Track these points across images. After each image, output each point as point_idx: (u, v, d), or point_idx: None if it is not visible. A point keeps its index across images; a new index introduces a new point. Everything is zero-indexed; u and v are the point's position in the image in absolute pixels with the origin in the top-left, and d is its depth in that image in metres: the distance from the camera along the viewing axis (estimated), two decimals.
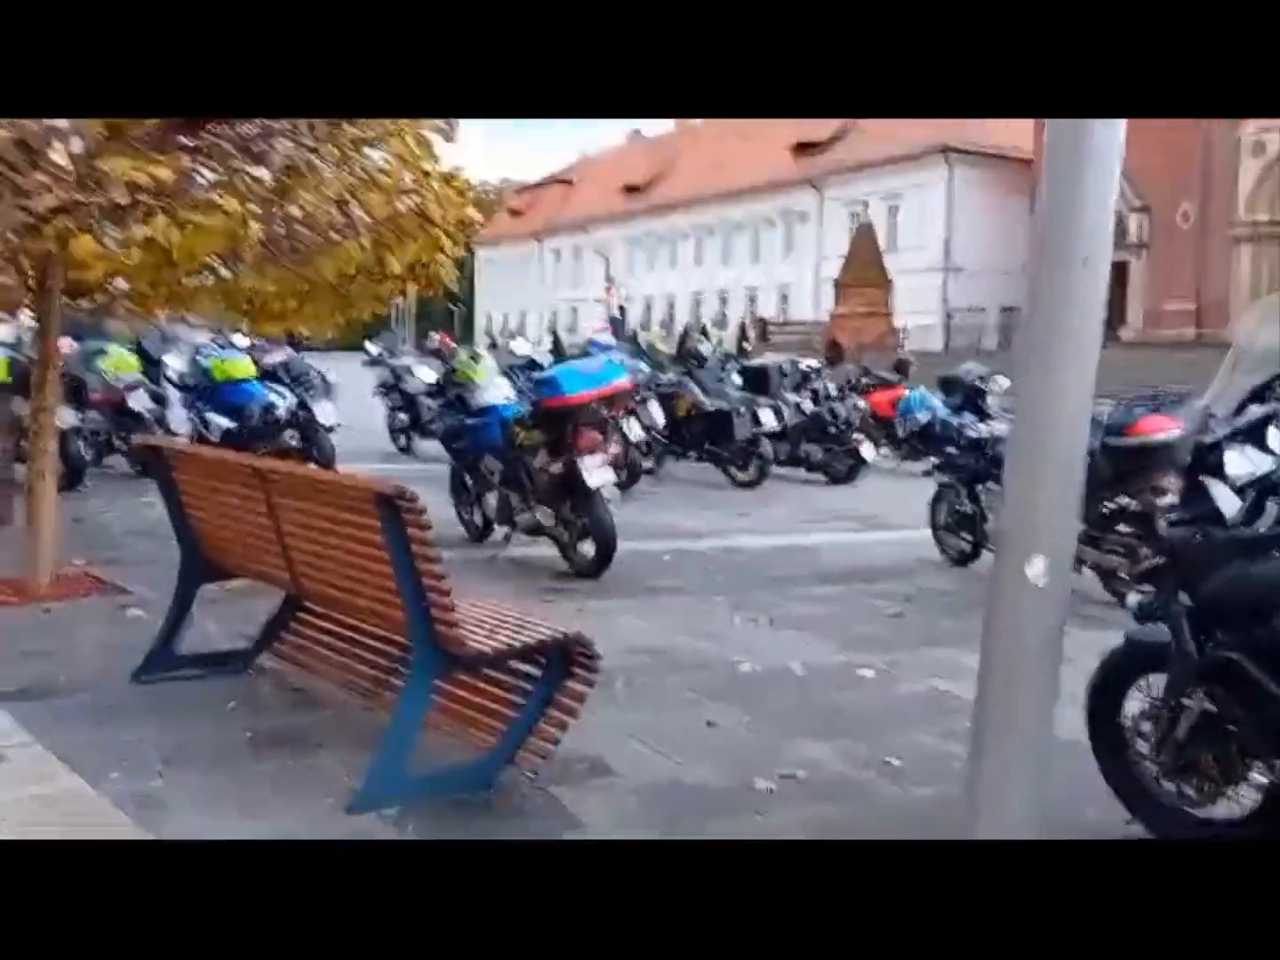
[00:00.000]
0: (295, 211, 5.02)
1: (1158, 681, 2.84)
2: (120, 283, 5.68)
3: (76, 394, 9.48)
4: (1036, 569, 2.30)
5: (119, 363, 10.44)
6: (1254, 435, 2.54)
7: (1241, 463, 2.49)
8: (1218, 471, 2.52)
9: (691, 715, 4.15)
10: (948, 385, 8.07)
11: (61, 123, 4.78)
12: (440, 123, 5.53)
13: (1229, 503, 2.47)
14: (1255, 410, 2.58)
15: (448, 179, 5.62)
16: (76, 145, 4.66)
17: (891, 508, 10.35)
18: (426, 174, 5.49)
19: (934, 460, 7.78)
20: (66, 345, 8.49)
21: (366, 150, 5.33)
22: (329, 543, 3.54)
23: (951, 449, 7.34)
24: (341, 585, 3.59)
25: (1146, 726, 2.90)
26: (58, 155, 4.36)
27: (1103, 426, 5.88)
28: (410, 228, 5.39)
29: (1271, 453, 2.50)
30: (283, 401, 9.73)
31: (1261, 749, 2.52)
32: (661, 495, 10.76)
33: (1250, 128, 32.91)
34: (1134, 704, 2.99)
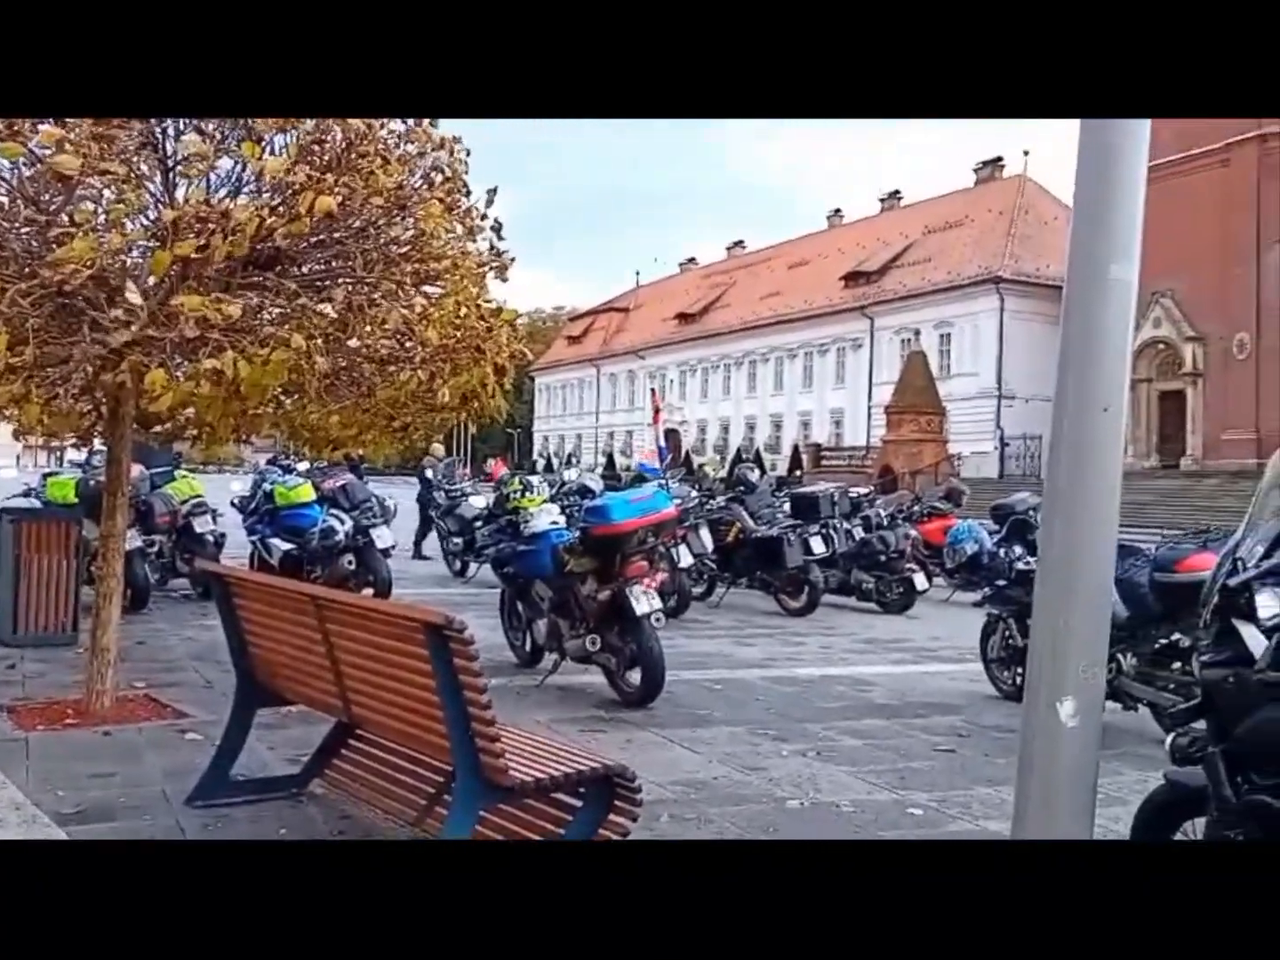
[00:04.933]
0: (354, 344, 5.26)
1: (1201, 825, 2.81)
2: (188, 412, 5.94)
3: (144, 518, 9.79)
4: (1067, 710, 2.33)
5: (183, 487, 10.80)
6: None
7: (1271, 604, 2.51)
8: (1249, 613, 2.55)
9: None
10: (999, 515, 8.08)
11: (136, 259, 5.12)
12: (495, 262, 5.82)
13: (1259, 645, 2.49)
14: None
15: (496, 312, 5.86)
16: (150, 282, 4.97)
17: (944, 638, 10.28)
18: (478, 307, 5.74)
19: (984, 592, 7.75)
20: (136, 471, 8.82)
21: (425, 287, 5.59)
22: (379, 670, 3.62)
23: (1001, 581, 7.32)
24: (390, 712, 3.66)
25: None
26: (132, 294, 4.63)
27: (1152, 562, 5.88)
28: (463, 360, 5.62)
29: None
30: (341, 526, 9.97)
31: None
32: (713, 622, 10.77)
33: None
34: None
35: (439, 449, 15.94)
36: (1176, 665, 5.81)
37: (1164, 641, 5.88)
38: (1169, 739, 2.73)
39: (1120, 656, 5.92)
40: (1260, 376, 34.41)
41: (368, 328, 5.18)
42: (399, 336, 5.34)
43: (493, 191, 5.74)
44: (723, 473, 23.83)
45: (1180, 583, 5.50)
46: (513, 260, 5.90)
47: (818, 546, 11.69)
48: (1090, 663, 2.38)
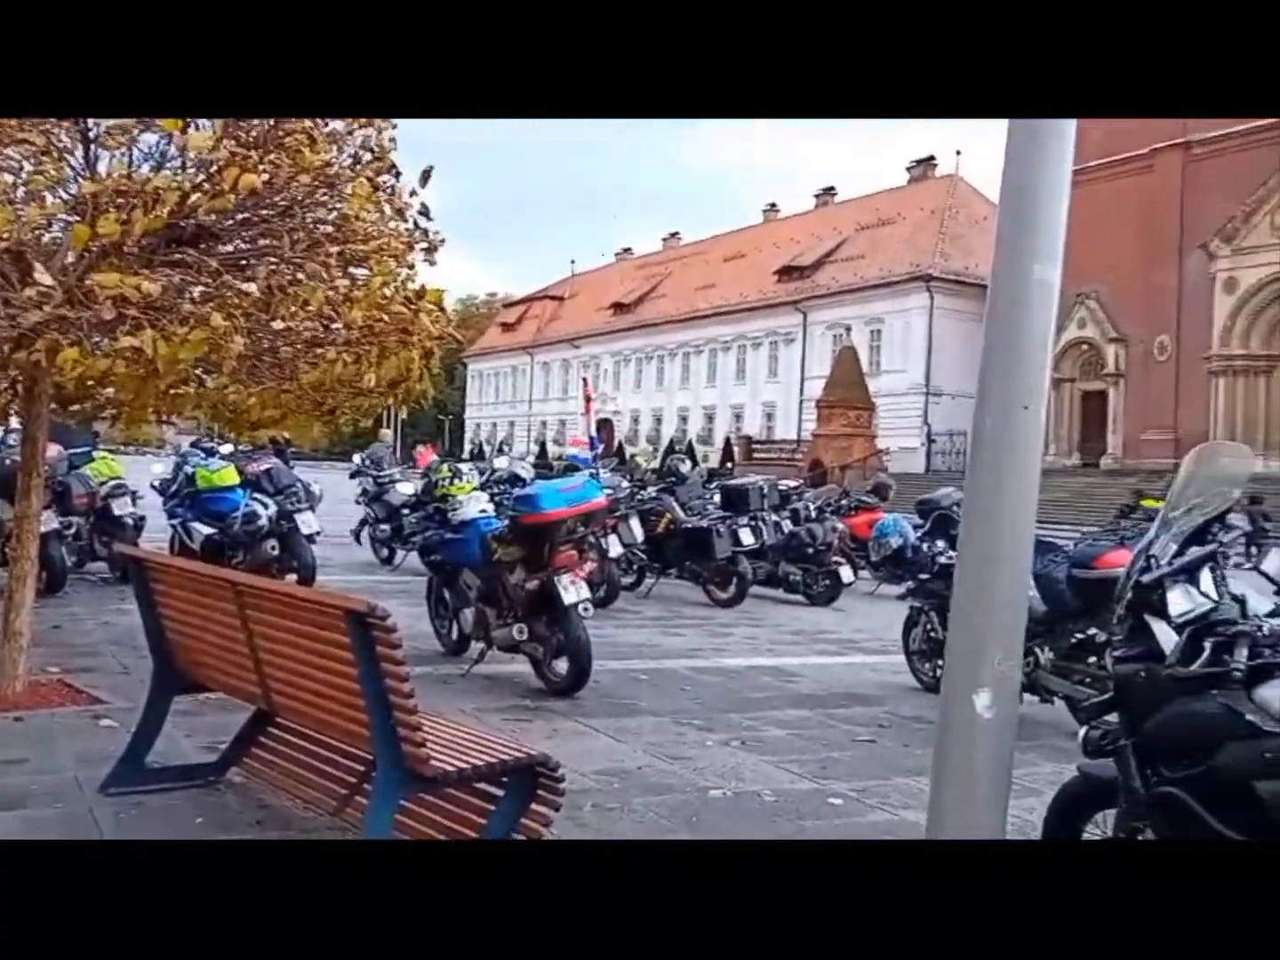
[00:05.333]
0: (278, 325, 5.17)
1: (1112, 816, 2.87)
2: (108, 391, 5.79)
3: (61, 499, 9.54)
4: (983, 702, 2.37)
5: (102, 468, 10.53)
6: (1194, 575, 2.63)
7: (1182, 602, 2.58)
8: (1160, 610, 2.61)
9: (659, 841, 4.13)
10: (923, 510, 8.19)
11: (56, 235, 4.98)
12: (423, 243, 5.76)
13: (1169, 641, 2.55)
14: (1195, 551, 2.68)
15: (421, 294, 5.79)
16: (69, 258, 4.83)
17: (868, 631, 10.40)
18: (404, 289, 5.67)
19: (908, 585, 7.86)
20: (53, 451, 8.59)
21: (351, 269, 5.51)
22: (300, 657, 3.57)
23: (924, 575, 7.43)
24: (311, 701, 3.61)
25: None
26: (42, 275, 4.48)
27: (1070, 558, 6.01)
28: (390, 343, 5.55)
29: (1206, 594, 2.60)
30: (265, 510, 9.80)
31: None
32: (641, 612, 10.79)
33: (1223, 264, 33.96)
34: (1089, 839, 3.02)
35: (387, 434, 15.85)
36: (1092, 659, 5.94)
37: (1080, 636, 6.01)
38: (1082, 732, 2.79)
39: (1038, 650, 6.05)
40: (1180, 378, 35.37)
41: (291, 308, 5.09)
42: (323, 318, 5.26)
43: (427, 172, 5.66)
44: (655, 463, 23.90)
45: (1097, 579, 5.62)
46: (442, 242, 5.84)
47: (746, 538, 11.76)
48: (1006, 656, 2.43)
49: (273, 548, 9.83)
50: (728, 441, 49.40)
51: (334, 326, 5.41)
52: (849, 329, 47.57)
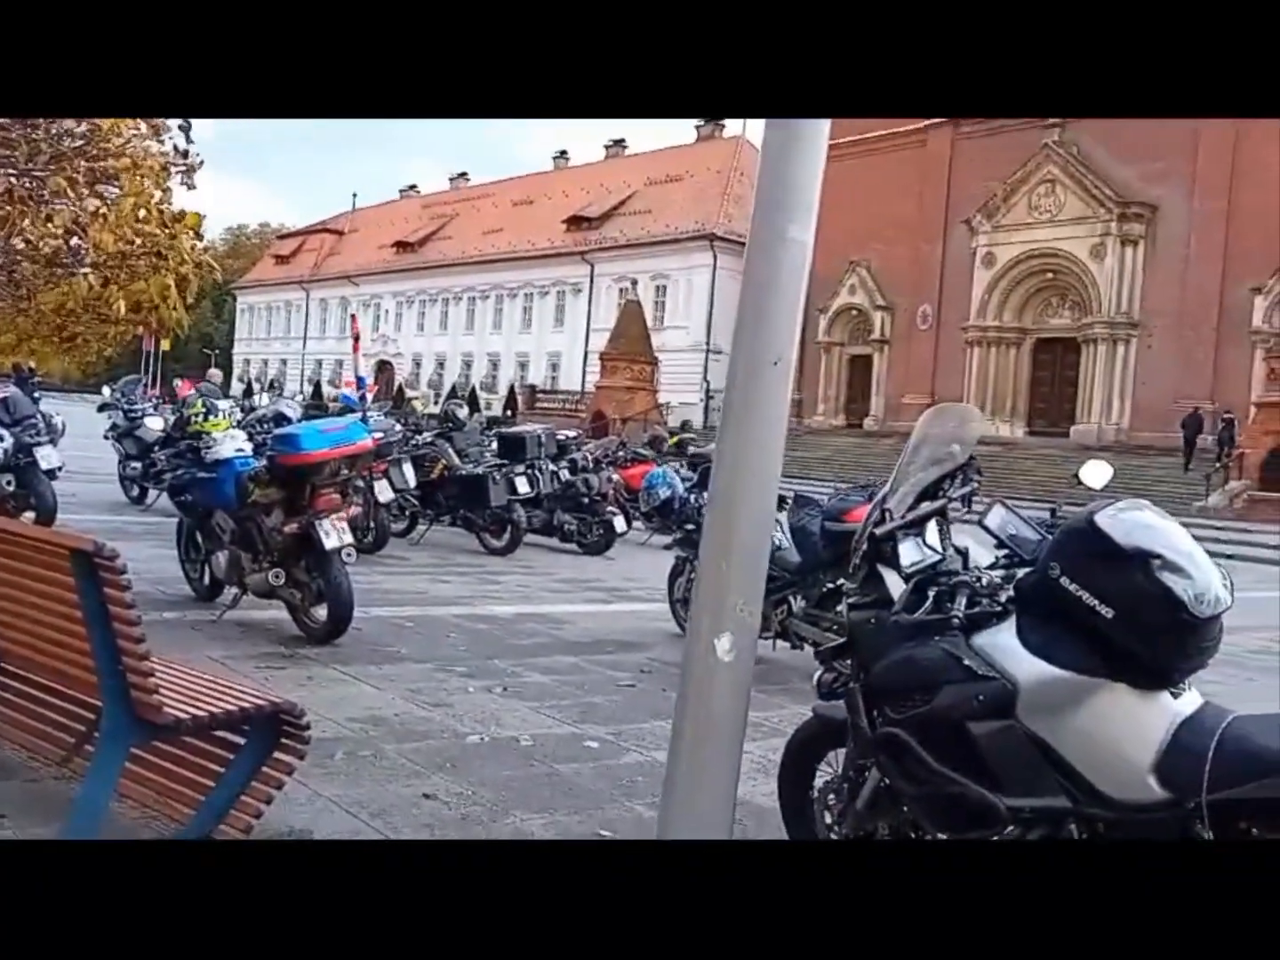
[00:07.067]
0: (17, 243, 4.77)
1: (842, 756, 3.03)
2: None
3: None
4: (724, 645, 2.44)
5: None
6: (923, 528, 2.79)
7: (911, 553, 2.73)
8: (892, 560, 2.75)
9: (410, 787, 4.10)
10: (694, 462, 8.39)
11: None
12: (181, 165, 5.42)
13: (899, 589, 2.69)
14: (926, 506, 2.83)
15: (179, 217, 5.46)
16: None
17: (638, 579, 10.60)
18: (160, 213, 5.33)
19: (675, 535, 8.03)
20: None
21: (100, 186, 5.13)
22: (22, 599, 3.31)
23: (690, 525, 7.60)
24: (34, 645, 3.37)
25: (831, 799, 3.09)
26: None
27: (823, 512, 6.28)
28: (141, 267, 5.21)
29: (932, 547, 2.76)
30: None
31: (926, 821, 2.73)
32: (411, 559, 10.62)
33: (983, 240, 36.02)
34: (822, 777, 3.18)
35: (216, 374, 15.11)
36: (840, 608, 6.22)
37: (830, 586, 6.29)
38: (817, 675, 2.92)
39: (791, 599, 6.30)
40: (939, 346, 37.43)
41: (28, 223, 4.69)
42: (66, 236, 4.88)
43: None
44: (434, 409, 23.53)
45: (846, 532, 5.86)
46: (201, 164, 5.50)
47: (522, 486, 11.76)
48: (747, 601, 2.50)
49: (8, 483, 9.10)
50: (511, 390, 49.12)
51: (79, 245, 5.04)
52: (635, 283, 47.91)
